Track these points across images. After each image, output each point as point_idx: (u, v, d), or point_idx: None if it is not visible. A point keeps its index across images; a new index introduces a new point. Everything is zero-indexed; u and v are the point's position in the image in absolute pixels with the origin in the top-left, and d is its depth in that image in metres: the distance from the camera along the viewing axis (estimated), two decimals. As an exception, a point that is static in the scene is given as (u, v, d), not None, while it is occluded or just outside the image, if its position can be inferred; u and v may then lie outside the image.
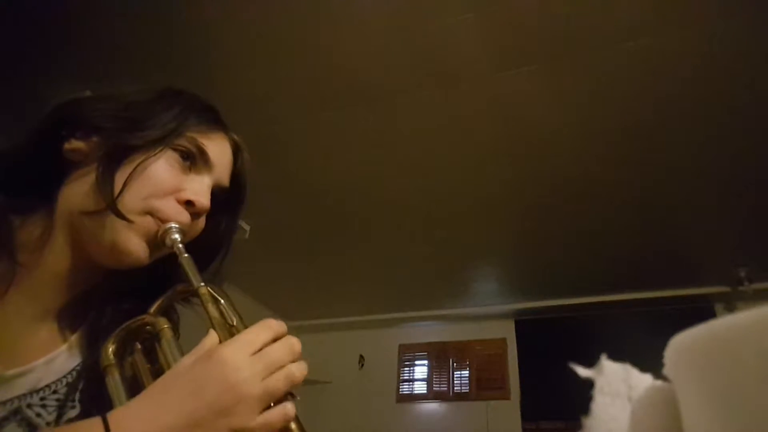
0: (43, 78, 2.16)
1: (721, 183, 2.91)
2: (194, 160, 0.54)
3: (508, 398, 4.74)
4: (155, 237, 0.50)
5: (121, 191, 0.48)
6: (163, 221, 0.51)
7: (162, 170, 0.51)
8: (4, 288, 0.46)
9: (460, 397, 4.97)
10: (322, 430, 4.60)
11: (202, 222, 0.56)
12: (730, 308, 4.36)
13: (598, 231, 3.52)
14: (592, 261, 3.98)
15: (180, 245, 0.50)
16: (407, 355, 5.40)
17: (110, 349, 0.48)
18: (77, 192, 0.51)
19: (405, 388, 5.21)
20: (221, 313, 0.46)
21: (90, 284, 0.55)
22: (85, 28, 2.07)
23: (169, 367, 0.44)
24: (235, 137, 0.61)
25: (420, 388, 5.17)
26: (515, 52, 2.14)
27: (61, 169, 0.53)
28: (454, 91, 2.38)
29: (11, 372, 0.47)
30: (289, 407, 0.41)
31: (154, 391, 0.40)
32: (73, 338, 0.54)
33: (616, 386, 0.35)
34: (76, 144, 0.52)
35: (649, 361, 0.38)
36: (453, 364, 5.17)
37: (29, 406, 0.48)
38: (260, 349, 0.42)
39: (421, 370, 5.28)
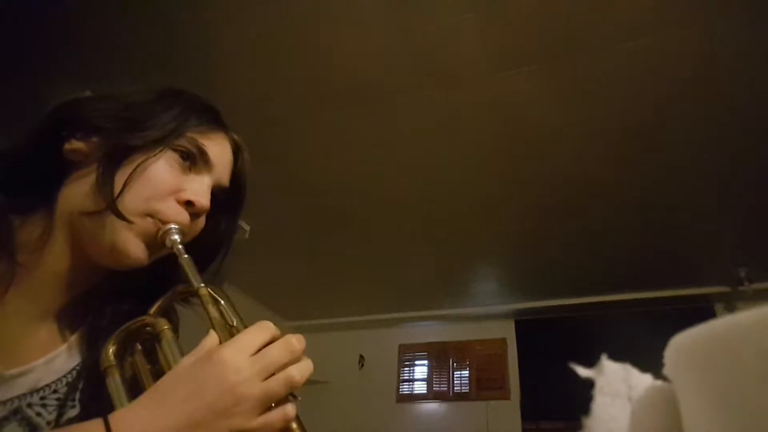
0: (43, 78, 2.16)
1: (721, 183, 2.91)
2: (194, 160, 0.54)
3: (508, 398, 4.74)
4: (155, 238, 0.50)
5: (121, 192, 0.48)
6: (164, 222, 0.51)
7: (162, 171, 0.51)
8: (3, 288, 0.46)
9: (460, 397, 4.98)
10: (322, 430, 4.60)
11: (201, 222, 0.56)
12: (730, 308, 4.36)
13: (598, 231, 3.52)
14: (592, 261, 3.98)
15: (180, 246, 0.50)
16: (407, 355, 5.40)
17: (110, 350, 0.48)
18: (77, 192, 0.51)
19: (405, 388, 5.21)
20: (221, 314, 0.46)
21: (90, 285, 0.55)
22: (85, 28, 2.07)
23: (169, 367, 0.44)
24: (236, 137, 0.61)
25: (420, 388, 5.17)
26: (515, 52, 2.14)
27: (61, 170, 0.53)
28: (454, 91, 2.38)
29: (11, 372, 0.47)
30: (289, 408, 0.41)
31: (154, 392, 0.41)
32: (73, 338, 0.55)
33: (616, 386, 0.35)
34: (76, 144, 0.52)
35: (649, 361, 0.38)
36: (453, 364, 5.18)
37: (29, 405, 0.48)
38: (259, 350, 0.42)
39: (421, 370, 5.28)
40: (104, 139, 0.51)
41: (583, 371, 0.36)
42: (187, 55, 2.19)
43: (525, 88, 2.32)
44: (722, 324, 0.27)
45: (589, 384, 0.36)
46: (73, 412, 0.51)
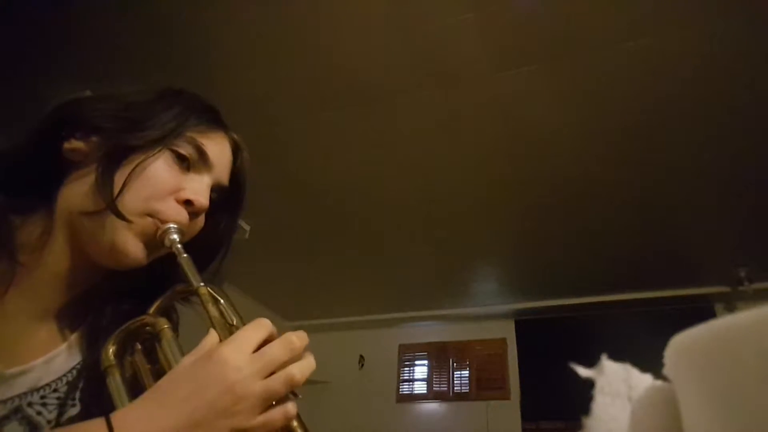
0: (43, 78, 2.16)
1: (721, 183, 2.91)
2: (193, 160, 0.54)
3: (508, 398, 4.74)
4: (154, 237, 0.50)
5: (121, 191, 0.49)
6: (163, 222, 0.51)
7: (161, 170, 0.51)
8: (4, 288, 0.46)
9: (460, 397, 4.98)
10: (322, 430, 4.60)
11: (201, 221, 0.56)
12: (730, 308, 4.36)
13: (598, 231, 3.52)
14: (592, 261, 3.98)
15: (179, 245, 0.50)
16: (407, 355, 5.40)
17: (111, 350, 0.48)
18: (77, 192, 0.51)
19: (405, 388, 5.21)
20: (221, 313, 0.46)
21: (90, 284, 0.55)
22: (85, 28, 2.07)
23: (169, 367, 0.44)
24: (235, 137, 0.61)
25: (420, 388, 5.17)
26: (515, 52, 2.14)
27: (61, 170, 0.53)
28: (454, 91, 2.38)
29: (11, 371, 0.48)
30: (290, 407, 0.41)
31: (155, 391, 0.41)
32: (73, 338, 0.55)
33: (616, 386, 0.35)
34: (75, 144, 0.52)
35: (649, 361, 0.38)
36: (453, 364, 5.18)
37: (30, 404, 0.48)
38: (258, 348, 0.42)
39: (421, 370, 5.28)
40: (104, 138, 0.51)
41: (583, 371, 0.36)
42: (187, 55, 2.19)
43: (525, 88, 2.32)
44: (722, 324, 0.27)
45: (589, 384, 0.36)
46: (73, 411, 0.51)
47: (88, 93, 0.56)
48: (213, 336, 0.44)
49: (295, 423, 0.41)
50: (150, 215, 0.50)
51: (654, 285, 4.29)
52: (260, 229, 3.25)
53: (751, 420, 0.24)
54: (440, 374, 5.17)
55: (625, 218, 3.34)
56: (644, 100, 2.35)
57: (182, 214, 0.52)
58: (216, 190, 0.57)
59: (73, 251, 0.52)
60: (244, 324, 0.46)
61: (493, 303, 4.91)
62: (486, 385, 4.91)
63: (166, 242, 0.50)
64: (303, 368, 0.42)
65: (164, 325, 0.48)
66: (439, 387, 5.10)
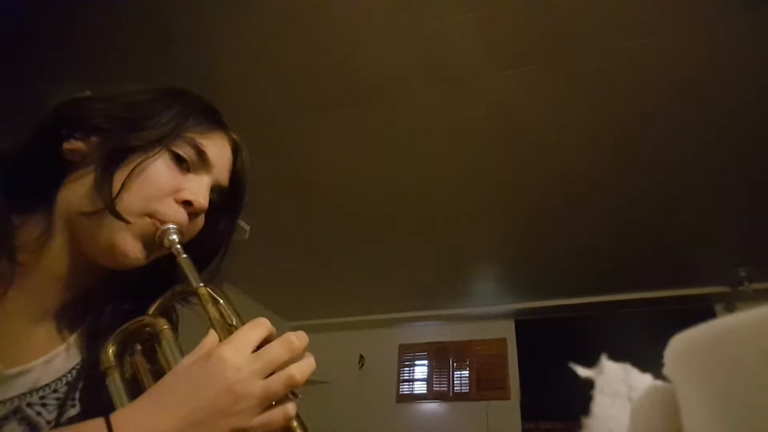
0: (43, 78, 2.16)
1: (721, 183, 2.91)
2: (193, 160, 0.54)
3: (508, 398, 4.74)
4: (153, 238, 0.50)
5: (120, 192, 0.48)
6: (162, 222, 0.51)
7: (161, 171, 0.51)
8: (3, 288, 0.46)
9: (460, 397, 4.97)
10: (322, 430, 4.60)
11: (200, 221, 0.56)
12: (730, 308, 4.36)
13: (598, 231, 3.52)
14: (592, 261, 3.98)
15: (178, 246, 0.50)
16: (407, 355, 5.40)
17: (110, 351, 0.48)
18: (76, 192, 0.51)
19: (405, 388, 5.21)
20: (221, 313, 0.46)
21: (89, 285, 0.55)
22: (85, 28, 2.07)
23: (169, 367, 0.44)
24: (235, 137, 0.61)
25: (420, 388, 5.17)
26: (515, 52, 2.14)
27: (61, 170, 0.53)
28: (454, 91, 2.38)
29: (11, 371, 0.47)
30: (289, 407, 0.41)
31: (155, 392, 0.41)
32: (72, 338, 0.55)
33: (616, 386, 0.35)
34: (75, 144, 0.52)
35: (649, 361, 0.38)
36: (453, 364, 5.17)
37: (29, 404, 0.48)
38: (258, 347, 0.41)
39: (421, 370, 5.28)
40: (103, 139, 0.51)
41: (583, 371, 0.36)
42: (187, 55, 2.19)
43: (525, 88, 2.32)
44: (722, 324, 0.27)
45: (589, 384, 0.36)
46: (73, 412, 0.51)
47: (88, 93, 0.56)
48: (213, 336, 0.44)
49: (294, 423, 0.41)
50: (149, 216, 0.50)
51: (654, 285, 4.29)
52: (260, 229, 3.25)
53: (750, 419, 0.24)
54: (440, 374, 5.17)
55: (625, 218, 3.34)
56: (644, 101, 2.36)
57: (181, 215, 0.52)
58: (216, 190, 0.57)
59: (72, 251, 0.51)
60: (243, 324, 0.46)
61: (493, 303, 4.91)
62: (486, 385, 4.91)
63: (166, 243, 0.50)
64: (303, 368, 0.42)
65: (164, 325, 0.48)
66: (439, 387, 5.09)
